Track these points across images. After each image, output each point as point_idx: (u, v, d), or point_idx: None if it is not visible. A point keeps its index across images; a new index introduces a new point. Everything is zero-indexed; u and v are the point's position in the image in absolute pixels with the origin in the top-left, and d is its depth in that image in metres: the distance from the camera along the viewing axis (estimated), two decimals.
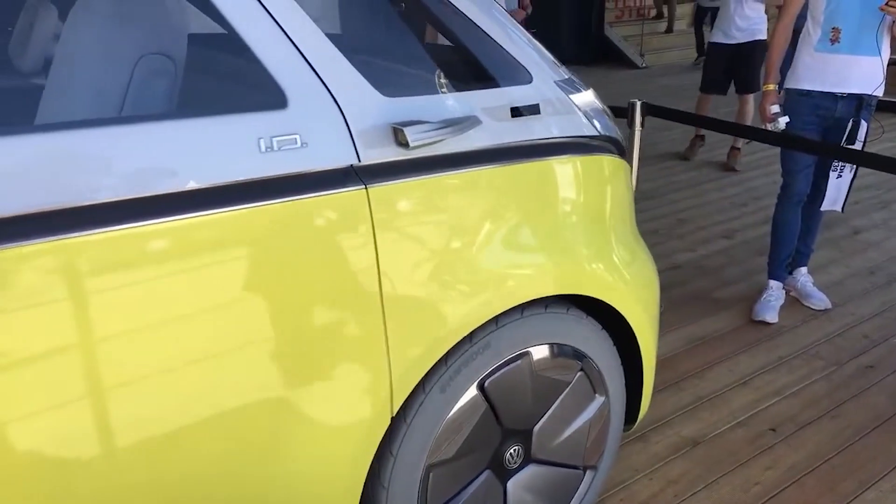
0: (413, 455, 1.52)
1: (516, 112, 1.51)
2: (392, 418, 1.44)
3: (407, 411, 1.51)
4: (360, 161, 1.29)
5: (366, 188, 1.30)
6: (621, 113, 2.97)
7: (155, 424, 1.17)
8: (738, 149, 5.33)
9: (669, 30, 11.37)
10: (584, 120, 1.66)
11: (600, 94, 1.81)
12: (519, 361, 1.64)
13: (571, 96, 1.64)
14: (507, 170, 1.50)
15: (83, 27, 1.40)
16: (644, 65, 10.33)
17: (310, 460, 1.36)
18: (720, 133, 4.26)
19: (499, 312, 1.53)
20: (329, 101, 1.25)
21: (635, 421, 2.00)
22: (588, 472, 1.91)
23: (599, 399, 1.85)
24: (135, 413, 1.15)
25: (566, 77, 1.69)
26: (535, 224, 1.57)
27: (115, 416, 1.13)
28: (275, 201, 1.19)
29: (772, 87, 2.97)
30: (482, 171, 1.45)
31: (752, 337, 3.00)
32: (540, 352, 1.67)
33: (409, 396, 1.51)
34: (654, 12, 11.59)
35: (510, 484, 1.75)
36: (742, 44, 5.01)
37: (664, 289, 3.22)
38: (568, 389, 1.76)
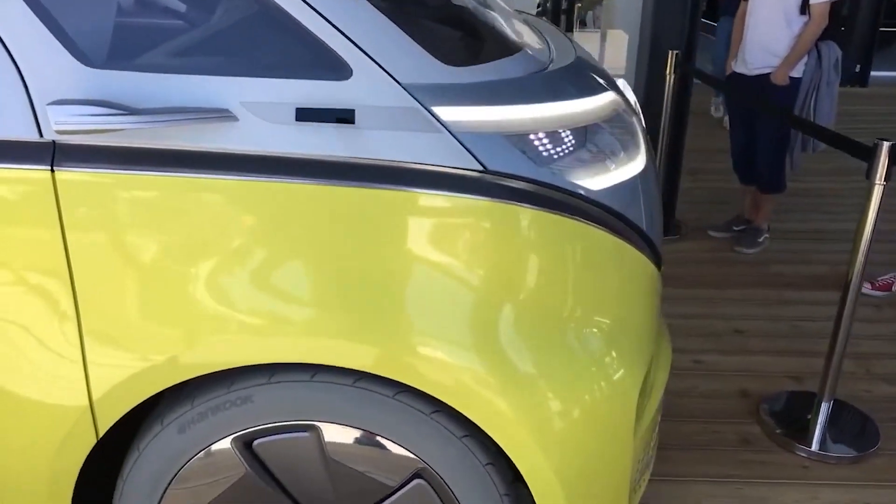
0: (144, 486, 1.31)
1: (306, 115, 1.11)
2: (99, 441, 1.25)
3: (140, 439, 1.30)
4: (42, 137, 1.10)
5: (52, 171, 1.11)
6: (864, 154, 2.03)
7: None
8: None
9: None
10: (458, 145, 1.15)
11: None
12: (305, 434, 1.27)
13: (440, 108, 1.14)
14: (278, 187, 1.12)
15: None
16: None
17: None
18: None
19: (240, 363, 1.19)
20: (6, 63, 1.08)
21: None
22: None
23: None
24: None
25: (470, 82, 1.18)
26: (318, 265, 1.15)
27: None
28: None
29: None
30: (230, 182, 1.11)
31: None
32: (336, 433, 1.26)
33: (143, 425, 1.30)
34: None
35: None
36: None
37: None
38: (396, 496, 1.32)
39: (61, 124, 1.04)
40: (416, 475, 1.30)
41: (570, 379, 1.26)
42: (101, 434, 1.25)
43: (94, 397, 1.22)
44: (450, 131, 1.15)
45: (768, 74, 3.18)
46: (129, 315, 1.17)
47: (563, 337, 1.26)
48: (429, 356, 1.18)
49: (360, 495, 1.33)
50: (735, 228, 3.68)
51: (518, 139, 1.20)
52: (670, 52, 3.41)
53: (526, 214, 1.19)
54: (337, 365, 1.19)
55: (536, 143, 1.22)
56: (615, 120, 1.40)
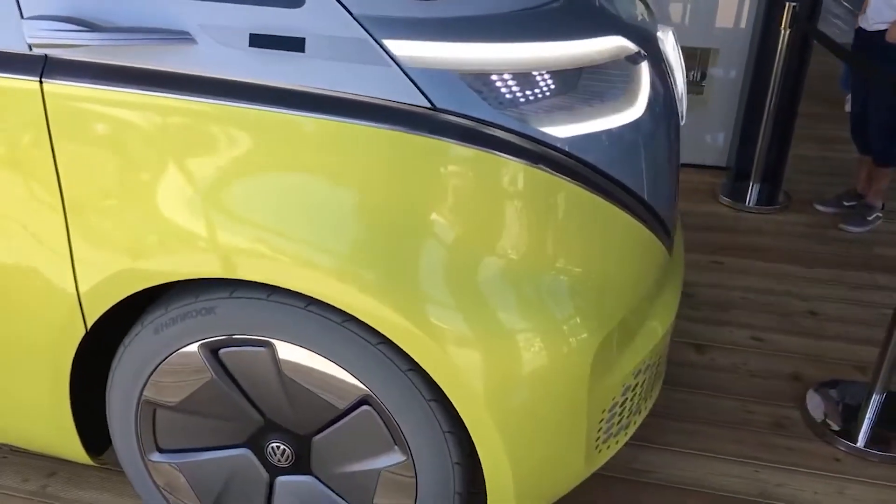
0: (127, 379, 1.45)
1: (259, 41, 1.15)
2: (87, 333, 1.39)
3: (127, 337, 1.43)
4: (30, 51, 1.21)
5: (40, 82, 1.22)
6: None
7: None
8: None
9: None
10: (405, 80, 1.15)
11: None
12: (262, 349, 1.35)
13: (392, 42, 1.14)
14: (232, 111, 1.17)
15: None
16: None
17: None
18: None
19: (193, 276, 1.28)
20: None
21: None
22: None
23: (397, 456, 1.38)
24: None
25: (430, 17, 1.17)
26: (265, 188, 1.21)
27: None
28: None
29: None
30: (188, 103, 1.18)
31: None
32: (290, 351, 1.33)
33: (130, 324, 1.43)
34: None
35: (280, 481, 1.51)
36: None
37: None
38: (348, 418, 1.37)
39: (32, 38, 1.14)
40: (364, 402, 1.35)
41: (509, 324, 1.25)
42: (90, 326, 1.39)
43: (81, 290, 1.35)
44: (399, 66, 1.15)
45: (885, 31, 2.85)
46: (107, 220, 1.28)
47: (503, 282, 1.25)
48: (363, 286, 1.22)
49: (313, 413, 1.40)
50: (846, 203, 3.37)
51: (474, 79, 1.18)
52: (787, 4, 3.13)
53: (469, 155, 1.18)
54: (282, 286, 1.25)
55: (498, 83, 1.20)
56: (609, 67, 1.33)
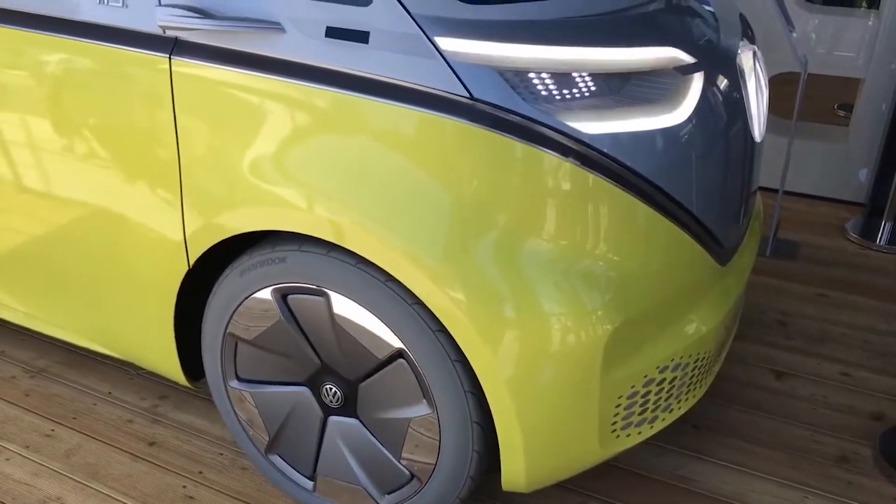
0: (217, 314, 1.72)
1: (333, 33, 1.36)
2: (189, 270, 1.68)
3: (220, 278, 1.70)
4: (164, 33, 1.50)
5: (170, 59, 1.51)
6: None
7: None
8: None
9: None
10: (449, 72, 1.32)
11: None
12: (320, 297, 1.56)
13: (442, 38, 1.31)
14: (309, 90, 1.40)
15: None
16: None
17: (125, 269, 1.78)
18: None
19: (265, 228, 1.52)
20: None
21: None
22: (415, 480, 1.64)
23: (425, 408, 1.54)
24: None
25: (478, 19, 1.33)
26: (332, 158, 1.42)
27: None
28: (98, 42, 1.56)
29: None
30: (289, 84, 1.41)
31: None
32: (341, 302, 1.53)
33: (220, 268, 1.70)
34: None
35: (332, 420, 1.72)
36: None
37: None
38: (387, 369, 1.56)
39: (162, 21, 1.43)
40: (400, 355, 1.53)
41: (527, 301, 1.38)
42: (192, 264, 1.67)
43: (187, 233, 1.64)
44: (445, 59, 1.33)
45: None
46: (211, 178, 1.55)
47: (523, 262, 1.38)
48: (400, 250, 1.39)
49: (358, 361, 1.59)
50: None
51: (512, 75, 1.33)
52: None
53: (500, 142, 1.33)
54: (342, 245, 1.45)
55: (534, 80, 1.34)
56: (655, 75, 1.44)
